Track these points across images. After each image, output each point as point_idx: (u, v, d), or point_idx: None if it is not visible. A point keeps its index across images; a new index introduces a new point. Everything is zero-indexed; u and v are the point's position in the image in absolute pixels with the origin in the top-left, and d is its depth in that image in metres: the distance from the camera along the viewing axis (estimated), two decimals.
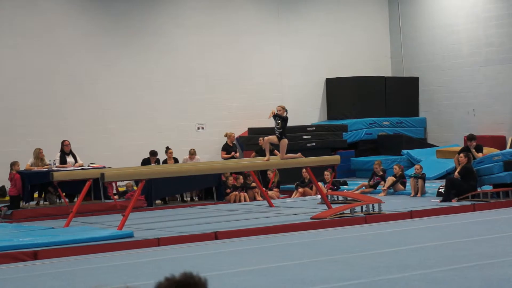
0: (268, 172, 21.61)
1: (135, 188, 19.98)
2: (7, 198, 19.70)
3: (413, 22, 28.39)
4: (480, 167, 17.93)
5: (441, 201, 17.52)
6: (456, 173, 17.84)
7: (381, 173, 20.37)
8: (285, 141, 16.07)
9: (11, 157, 19.80)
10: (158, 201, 20.18)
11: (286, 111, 16.22)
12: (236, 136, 24.06)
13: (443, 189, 18.11)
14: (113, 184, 19.80)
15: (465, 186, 17.54)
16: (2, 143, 22.52)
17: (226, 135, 22.81)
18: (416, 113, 28.42)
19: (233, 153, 22.26)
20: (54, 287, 9.93)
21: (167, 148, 21.24)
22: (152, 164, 20.57)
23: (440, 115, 27.71)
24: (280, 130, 16.00)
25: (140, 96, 24.72)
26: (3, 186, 21.46)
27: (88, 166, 19.63)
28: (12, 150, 21.95)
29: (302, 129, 25.62)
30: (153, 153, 21.05)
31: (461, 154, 17.88)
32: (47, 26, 23.43)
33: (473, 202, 17.04)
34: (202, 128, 25.66)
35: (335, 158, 18.17)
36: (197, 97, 25.57)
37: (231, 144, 22.56)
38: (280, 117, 15.94)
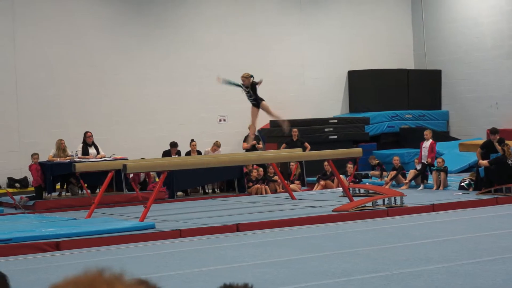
0: (291, 164, 21.55)
1: (157, 179, 20.01)
2: (32, 188, 19.81)
3: (436, 15, 28.23)
4: None
5: (473, 189, 17.75)
6: (484, 162, 17.85)
7: (399, 164, 20.64)
8: (264, 104, 15.67)
9: (34, 148, 19.88)
10: (179, 193, 20.20)
11: (252, 76, 15.59)
12: (258, 128, 23.93)
13: (465, 182, 18.05)
14: (136, 176, 19.88)
15: (501, 177, 17.45)
16: (25, 135, 22.61)
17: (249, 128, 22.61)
18: (438, 106, 28.29)
19: (255, 142, 21.99)
20: None
21: (191, 140, 21.22)
22: (173, 156, 20.59)
23: (463, 108, 27.56)
24: (253, 97, 15.65)
25: (161, 88, 24.74)
26: (25, 177, 21.57)
27: (110, 157, 19.67)
28: (34, 141, 22.04)
29: (324, 121, 25.57)
30: (174, 145, 21.04)
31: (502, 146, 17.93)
32: (68, 17, 23.47)
33: (495, 196, 16.95)
34: (224, 120, 25.65)
35: (357, 151, 18.10)
36: (219, 89, 25.44)
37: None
38: (247, 86, 15.52)
